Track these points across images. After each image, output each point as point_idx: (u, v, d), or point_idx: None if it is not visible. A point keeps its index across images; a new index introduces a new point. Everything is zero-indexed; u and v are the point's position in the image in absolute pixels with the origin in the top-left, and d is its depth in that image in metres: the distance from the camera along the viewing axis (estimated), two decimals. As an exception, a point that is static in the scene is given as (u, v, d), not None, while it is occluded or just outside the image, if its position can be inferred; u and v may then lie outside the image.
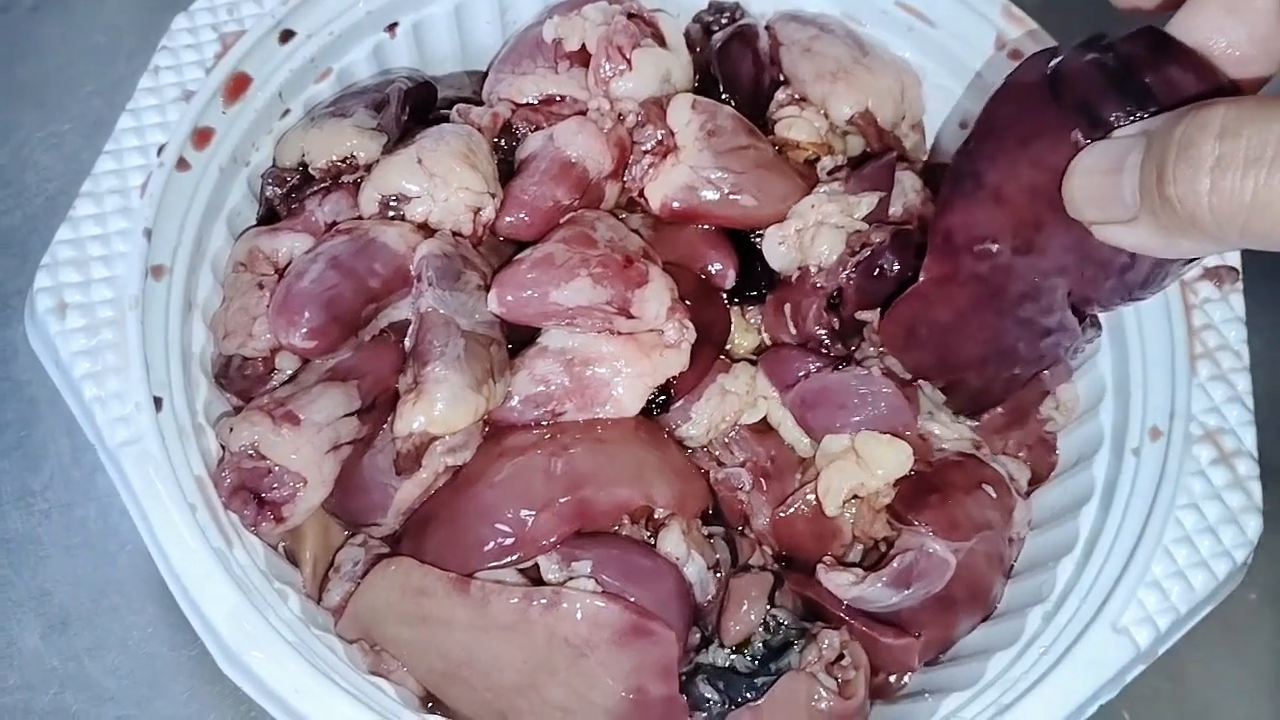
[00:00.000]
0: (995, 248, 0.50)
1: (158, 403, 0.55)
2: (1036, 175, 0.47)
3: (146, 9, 0.88)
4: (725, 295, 0.65)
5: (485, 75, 0.71)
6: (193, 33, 0.64)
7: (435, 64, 0.73)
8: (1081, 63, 0.47)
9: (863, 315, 0.61)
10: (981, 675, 0.54)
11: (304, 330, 0.56)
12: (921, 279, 0.54)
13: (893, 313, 0.57)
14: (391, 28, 0.70)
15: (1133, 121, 0.44)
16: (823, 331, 0.62)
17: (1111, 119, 0.45)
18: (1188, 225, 0.38)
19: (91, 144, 0.81)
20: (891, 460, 0.57)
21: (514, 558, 0.55)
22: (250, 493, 0.55)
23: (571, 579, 0.55)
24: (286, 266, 0.61)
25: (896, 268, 0.60)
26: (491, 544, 0.55)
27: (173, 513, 0.52)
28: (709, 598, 0.58)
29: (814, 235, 0.61)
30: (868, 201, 0.62)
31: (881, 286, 0.60)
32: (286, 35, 0.65)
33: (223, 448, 0.56)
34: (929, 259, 0.54)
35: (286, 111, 0.66)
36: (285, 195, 0.63)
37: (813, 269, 0.61)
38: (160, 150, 0.60)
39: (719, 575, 0.58)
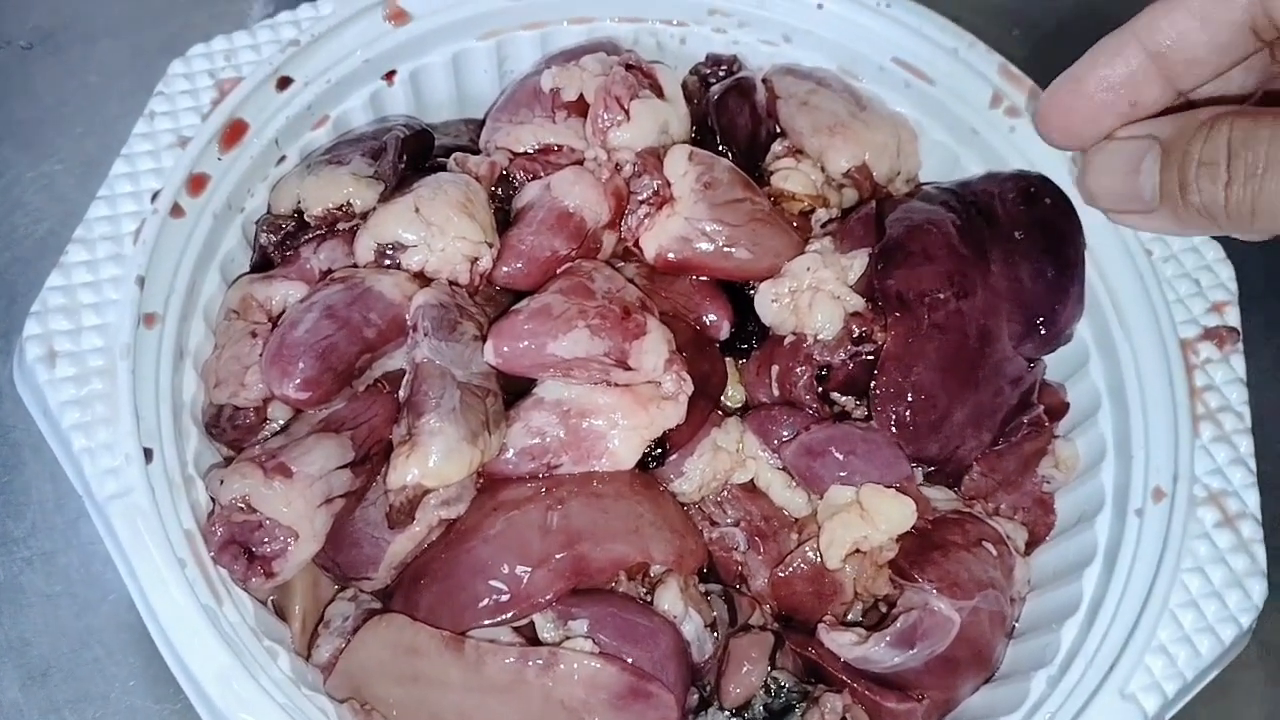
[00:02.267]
0: (942, 296, 0.60)
1: (148, 454, 0.54)
2: (946, 237, 0.60)
3: (140, 51, 0.88)
4: (719, 347, 0.65)
5: (482, 123, 0.71)
6: (189, 79, 0.64)
7: (432, 111, 0.73)
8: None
9: (837, 396, 0.62)
10: (987, 742, 0.54)
11: (298, 381, 0.56)
12: (889, 341, 0.59)
13: (881, 386, 0.59)
14: (389, 75, 0.70)
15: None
16: (809, 397, 0.62)
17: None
18: (1205, 220, 0.46)
19: (83, 185, 0.81)
20: (896, 514, 0.57)
21: (509, 615, 0.54)
22: (240, 547, 0.54)
23: (568, 638, 0.54)
24: (280, 315, 0.60)
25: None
26: (486, 601, 0.54)
27: (162, 569, 0.51)
28: (706, 657, 0.57)
29: (810, 301, 0.61)
30: (859, 263, 0.62)
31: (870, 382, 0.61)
32: (284, 82, 0.65)
33: (213, 500, 0.55)
34: (891, 321, 0.59)
35: (282, 158, 0.66)
36: (280, 242, 0.63)
37: (809, 339, 0.61)
38: (155, 196, 0.60)
39: (716, 634, 0.57)
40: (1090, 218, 0.63)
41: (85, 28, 0.89)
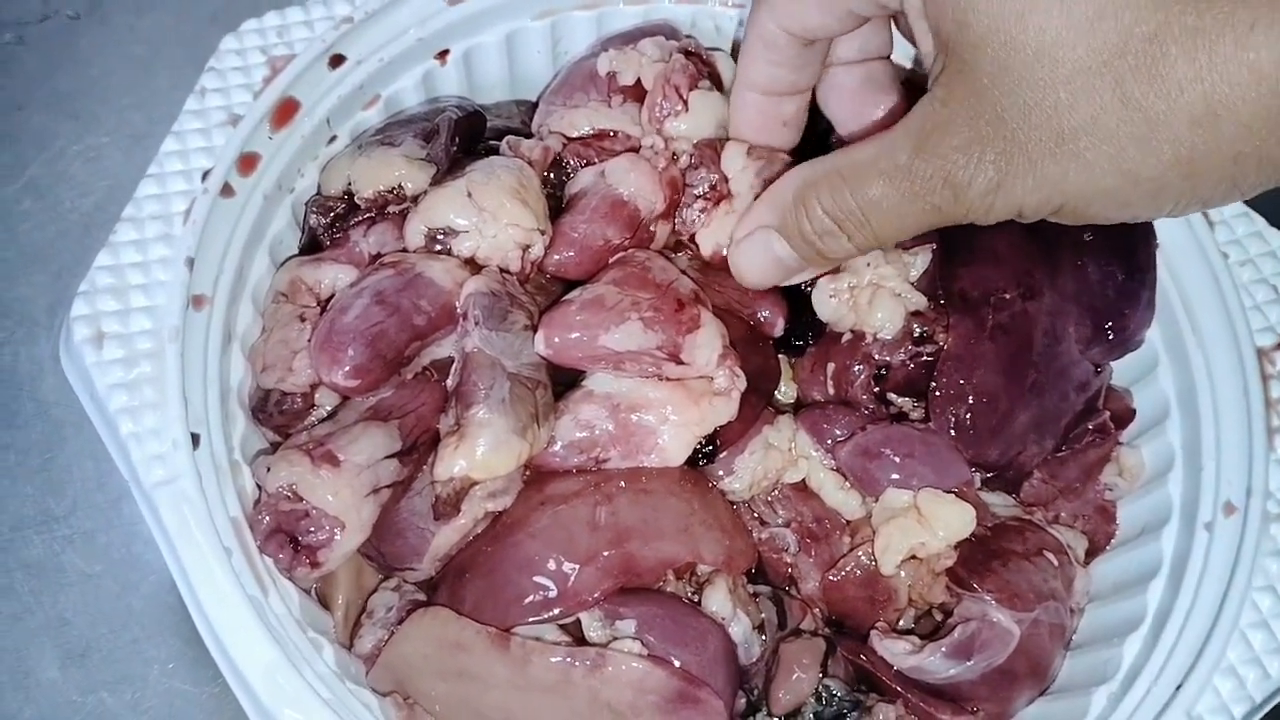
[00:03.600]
0: (1008, 296, 0.58)
1: (195, 440, 0.53)
2: (1012, 236, 0.59)
3: (188, 23, 0.87)
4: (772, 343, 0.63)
5: (534, 105, 0.69)
6: (240, 54, 0.63)
7: (483, 92, 0.72)
8: None
9: (894, 397, 0.60)
10: (1045, 759, 0.52)
11: (347, 368, 0.54)
12: (950, 341, 0.58)
13: (941, 388, 0.57)
14: (442, 55, 0.68)
15: None
16: (865, 397, 0.60)
17: None
18: (846, 259, 0.55)
19: (129, 159, 0.80)
20: (955, 521, 0.55)
21: (555, 613, 0.53)
22: (286, 536, 0.53)
23: (615, 639, 0.53)
24: (328, 299, 0.59)
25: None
26: (532, 597, 0.53)
27: (209, 558, 0.50)
28: (754, 659, 0.56)
29: (870, 298, 0.59)
30: (922, 260, 0.61)
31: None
32: (337, 60, 0.64)
33: (259, 487, 0.54)
34: (954, 320, 0.58)
35: (333, 138, 0.65)
36: (329, 224, 0.62)
37: (867, 337, 0.60)
38: (205, 175, 0.59)
39: (765, 637, 0.56)
40: (1162, 221, 0.61)
41: (133, -2, 0.89)
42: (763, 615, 0.57)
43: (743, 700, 0.56)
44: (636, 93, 0.65)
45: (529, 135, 0.66)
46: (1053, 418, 0.59)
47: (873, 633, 0.56)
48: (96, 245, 0.57)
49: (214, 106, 0.61)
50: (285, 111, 0.62)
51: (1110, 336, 0.60)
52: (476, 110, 0.67)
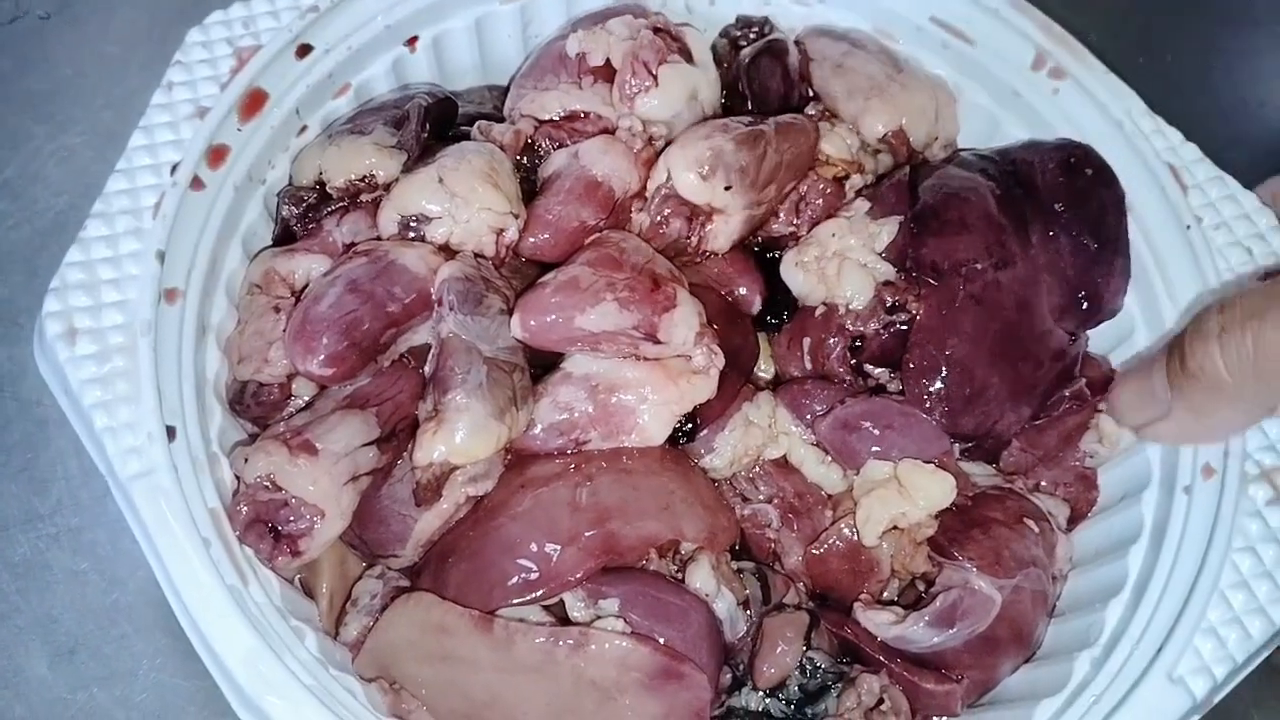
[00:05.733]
0: (979, 266, 0.58)
1: (170, 432, 0.53)
2: (983, 206, 0.59)
3: (159, 20, 0.87)
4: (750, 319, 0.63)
5: (506, 90, 0.69)
6: (207, 47, 0.62)
7: (455, 78, 0.71)
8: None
9: (871, 369, 0.60)
10: (1029, 724, 0.52)
11: (322, 357, 0.55)
12: (922, 313, 0.58)
13: (914, 360, 0.57)
14: (411, 41, 0.68)
15: None
16: (842, 370, 0.60)
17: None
18: (1213, 392, 0.48)
19: (102, 157, 0.80)
20: (935, 490, 0.55)
21: (538, 594, 0.53)
22: (266, 525, 0.53)
23: (598, 618, 0.53)
24: (303, 289, 0.59)
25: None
26: (515, 579, 0.53)
27: (187, 549, 0.50)
28: (739, 636, 0.56)
29: (838, 269, 0.59)
30: (888, 230, 0.60)
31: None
32: (304, 50, 0.63)
33: (237, 478, 0.54)
34: (925, 291, 0.58)
35: (303, 128, 0.65)
36: (302, 215, 0.62)
37: (840, 309, 0.60)
38: (174, 169, 0.58)
39: (749, 612, 0.56)
40: (1136, 185, 0.61)
41: (103, -4, 0.88)
42: (747, 591, 0.57)
43: (728, 675, 0.56)
44: (607, 73, 0.65)
45: (501, 120, 0.66)
46: (1028, 386, 0.59)
47: (856, 605, 0.56)
48: (70, 245, 0.57)
49: (181, 100, 0.60)
50: (253, 103, 0.61)
51: (1084, 306, 0.60)
52: (447, 96, 0.67)
